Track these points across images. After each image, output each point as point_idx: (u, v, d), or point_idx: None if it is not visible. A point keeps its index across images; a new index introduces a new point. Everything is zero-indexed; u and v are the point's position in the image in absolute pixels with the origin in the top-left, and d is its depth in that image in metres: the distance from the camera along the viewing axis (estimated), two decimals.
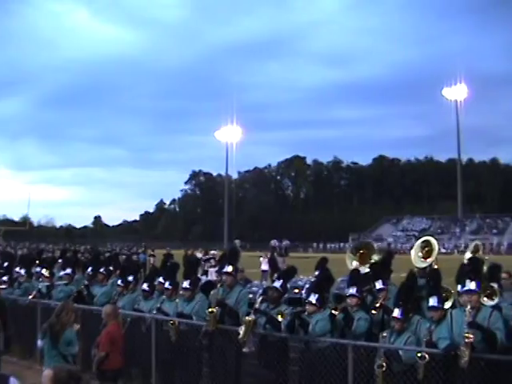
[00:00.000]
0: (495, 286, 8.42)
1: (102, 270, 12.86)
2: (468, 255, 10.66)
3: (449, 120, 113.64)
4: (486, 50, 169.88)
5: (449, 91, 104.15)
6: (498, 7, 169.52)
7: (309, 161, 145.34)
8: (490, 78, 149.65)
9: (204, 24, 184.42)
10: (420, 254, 10.71)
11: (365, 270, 10.52)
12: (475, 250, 10.93)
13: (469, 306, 7.61)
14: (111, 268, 13.19)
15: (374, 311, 9.21)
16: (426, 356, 7.65)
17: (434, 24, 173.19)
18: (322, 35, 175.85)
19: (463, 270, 8.46)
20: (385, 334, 8.40)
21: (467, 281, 7.80)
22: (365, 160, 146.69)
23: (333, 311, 8.76)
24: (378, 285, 9.63)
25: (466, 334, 7.30)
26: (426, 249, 10.70)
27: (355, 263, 10.89)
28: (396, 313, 8.32)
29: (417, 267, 10.45)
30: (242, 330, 9.06)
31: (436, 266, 10.23)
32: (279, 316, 8.96)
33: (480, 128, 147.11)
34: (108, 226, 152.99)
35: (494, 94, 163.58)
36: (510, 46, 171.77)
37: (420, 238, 11.31)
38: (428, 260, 10.51)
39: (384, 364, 7.95)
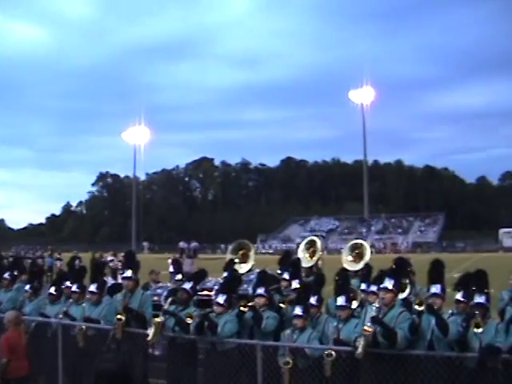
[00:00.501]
0: (406, 280, 8.67)
1: (6, 274, 12.48)
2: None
3: (355, 122, 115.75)
4: (393, 55, 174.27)
5: (355, 94, 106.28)
6: (404, 13, 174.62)
7: (217, 162, 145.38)
8: (396, 82, 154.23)
9: (113, 23, 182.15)
10: (306, 255, 11.03)
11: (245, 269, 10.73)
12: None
13: (376, 302, 7.83)
14: (16, 273, 12.81)
15: (282, 305, 9.33)
16: (333, 353, 7.83)
17: (341, 28, 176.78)
18: (232, 37, 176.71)
19: (368, 270, 8.73)
20: (288, 332, 8.52)
21: (386, 279, 8.03)
22: (273, 161, 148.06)
23: (241, 308, 8.80)
24: (295, 284, 9.77)
25: (365, 327, 7.55)
26: (312, 249, 11.04)
27: (237, 260, 11.10)
28: (297, 310, 8.46)
29: (303, 267, 10.76)
30: (150, 331, 9.00)
31: (321, 265, 10.56)
32: (188, 318, 8.94)
33: (385, 130, 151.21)
34: (12, 229, 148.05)
35: (400, 97, 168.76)
36: (416, 51, 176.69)
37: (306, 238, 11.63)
38: (313, 259, 10.83)
39: (290, 361, 8.07)
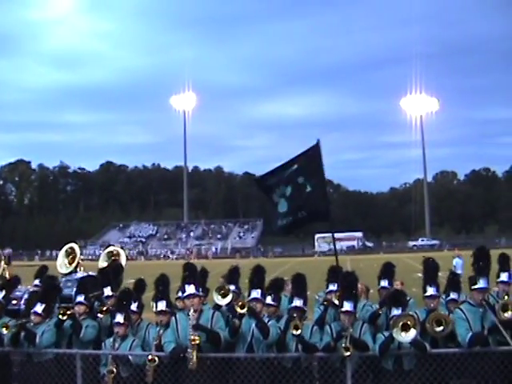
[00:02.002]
0: (231, 287, 8.78)
1: None
2: (103, 262, 11.21)
3: (176, 128, 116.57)
4: (216, 62, 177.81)
5: (177, 100, 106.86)
6: (228, 22, 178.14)
7: (34, 165, 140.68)
8: (218, 89, 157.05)
9: None
10: (66, 261, 11.16)
11: None
12: (111, 256, 11.49)
13: (192, 310, 7.89)
14: None
15: (100, 315, 9.13)
16: (156, 359, 7.81)
17: (165, 32, 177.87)
18: (53, 35, 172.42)
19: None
20: (111, 340, 8.36)
21: (186, 286, 8.15)
22: (92, 166, 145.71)
23: (60, 316, 8.52)
24: (107, 291, 9.57)
25: (192, 337, 7.60)
26: (71, 256, 11.17)
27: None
28: (118, 318, 8.33)
29: (61, 273, 10.84)
30: None
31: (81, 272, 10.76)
32: (3, 329, 8.52)
33: (206, 137, 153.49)
34: None
35: (221, 104, 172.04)
36: (238, 60, 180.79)
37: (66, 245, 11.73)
38: (72, 265, 10.99)
39: (114, 369, 7.93)
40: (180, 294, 9.38)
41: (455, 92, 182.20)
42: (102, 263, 11.15)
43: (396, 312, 7.75)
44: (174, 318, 8.27)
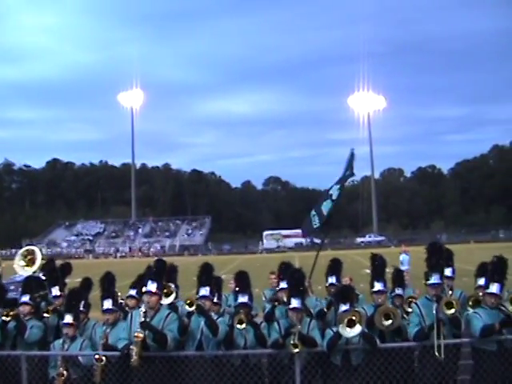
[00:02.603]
0: (172, 286, 8.73)
1: None
2: (19, 261, 11.21)
3: (124, 125, 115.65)
4: (163, 59, 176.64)
5: (125, 97, 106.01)
6: (176, 19, 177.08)
7: None
8: (166, 86, 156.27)
9: None
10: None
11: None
12: (26, 255, 11.53)
13: (143, 307, 7.82)
14: None
15: (46, 314, 8.99)
16: (103, 358, 7.71)
17: (112, 29, 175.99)
18: None
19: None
20: (61, 341, 8.22)
21: (149, 282, 7.99)
22: (38, 163, 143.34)
23: (3, 318, 8.34)
24: (55, 291, 9.42)
25: (136, 334, 7.55)
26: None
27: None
28: (67, 319, 8.18)
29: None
30: None
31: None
32: None
33: (154, 134, 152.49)
34: None
35: (169, 101, 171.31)
36: (186, 57, 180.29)
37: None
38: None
39: (64, 372, 7.79)
40: (131, 291, 9.29)
41: (402, 90, 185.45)
42: (19, 262, 11.05)
43: (344, 308, 7.81)
44: (129, 315, 8.18)
